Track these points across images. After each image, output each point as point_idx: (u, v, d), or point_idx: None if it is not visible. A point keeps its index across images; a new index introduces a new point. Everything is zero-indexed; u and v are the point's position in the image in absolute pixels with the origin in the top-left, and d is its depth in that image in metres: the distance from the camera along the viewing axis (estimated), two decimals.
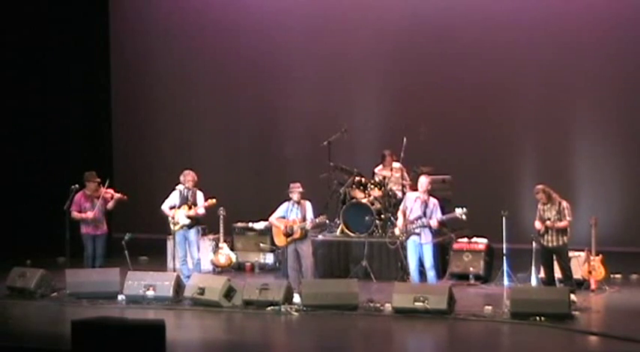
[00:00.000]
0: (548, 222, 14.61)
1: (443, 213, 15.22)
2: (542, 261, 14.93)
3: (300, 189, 15.31)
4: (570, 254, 15.17)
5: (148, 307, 14.50)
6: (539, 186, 14.86)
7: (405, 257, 15.38)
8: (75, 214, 15.77)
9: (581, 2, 18.90)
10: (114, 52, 20.97)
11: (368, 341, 13.13)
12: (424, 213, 15.08)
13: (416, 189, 15.48)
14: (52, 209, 16.39)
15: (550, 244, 14.72)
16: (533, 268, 15.22)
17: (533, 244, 15.12)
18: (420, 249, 15.11)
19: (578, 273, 15.26)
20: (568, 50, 18.81)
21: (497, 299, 14.26)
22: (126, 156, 20.89)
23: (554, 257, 14.81)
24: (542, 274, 15.11)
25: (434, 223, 15.01)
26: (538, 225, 14.72)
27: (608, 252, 15.73)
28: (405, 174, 17.14)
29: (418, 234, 15.07)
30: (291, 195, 15.34)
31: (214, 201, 16.02)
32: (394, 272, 15.90)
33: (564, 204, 14.74)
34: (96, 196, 15.87)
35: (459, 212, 15.03)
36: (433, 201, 15.21)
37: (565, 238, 14.70)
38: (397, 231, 15.32)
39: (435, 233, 15.38)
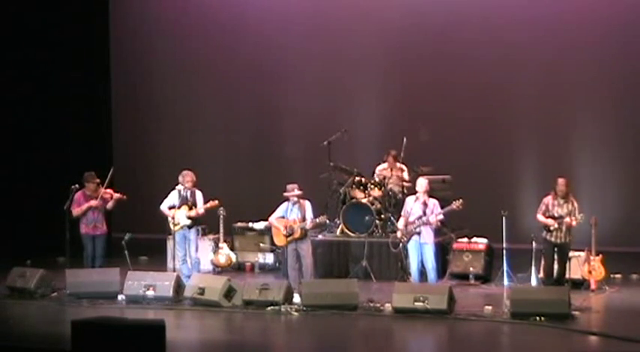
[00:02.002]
0: (567, 220, 14.64)
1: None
2: (546, 256, 14.93)
3: (296, 192, 15.27)
4: (570, 254, 15.20)
5: (148, 307, 14.50)
6: (564, 180, 14.89)
7: (406, 256, 15.38)
8: (77, 209, 15.76)
9: (582, 2, 18.90)
10: (114, 52, 20.96)
11: (368, 341, 13.13)
12: (424, 213, 15.12)
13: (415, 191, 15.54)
14: (52, 209, 16.39)
15: (559, 240, 14.78)
16: (533, 268, 15.25)
17: (533, 244, 15.15)
18: (421, 249, 15.13)
19: (578, 273, 15.28)
20: (568, 50, 18.82)
21: (498, 299, 14.27)
22: (126, 156, 20.88)
23: (557, 253, 14.85)
24: (541, 274, 15.12)
25: (433, 219, 15.05)
26: (548, 220, 14.73)
27: (608, 251, 15.73)
28: (406, 175, 17.13)
29: (419, 234, 15.10)
30: (288, 196, 15.34)
31: (216, 202, 16.03)
32: (394, 272, 15.90)
33: (575, 202, 14.84)
34: (95, 196, 15.87)
35: (455, 204, 15.08)
36: (433, 201, 15.28)
37: (571, 236, 14.81)
38: (399, 234, 15.33)
39: (436, 233, 15.40)
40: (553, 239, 14.84)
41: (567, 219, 14.68)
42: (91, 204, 15.78)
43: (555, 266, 15.01)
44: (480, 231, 16.46)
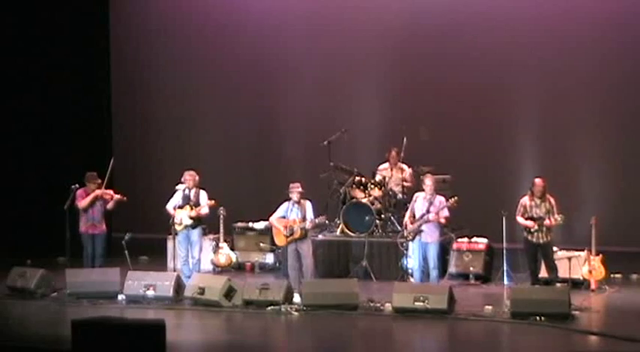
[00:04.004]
0: (547, 222, 14.68)
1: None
2: (530, 257, 15.00)
3: (300, 189, 15.32)
4: (570, 254, 15.24)
5: (148, 307, 14.50)
6: (542, 181, 14.92)
7: (407, 255, 15.37)
8: (82, 201, 15.74)
9: (582, 2, 18.89)
10: (114, 52, 20.94)
11: (368, 341, 13.13)
12: (427, 211, 15.12)
13: (418, 190, 15.58)
14: (52, 209, 16.39)
15: (541, 240, 14.89)
16: None
17: None
18: (424, 248, 15.13)
19: (578, 273, 15.29)
20: (568, 50, 18.81)
21: (498, 299, 14.28)
22: (126, 156, 20.86)
23: (541, 253, 14.93)
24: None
25: (432, 217, 15.04)
26: (528, 222, 14.78)
27: (608, 251, 15.72)
28: (407, 175, 17.12)
29: (421, 232, 15.08)
30: (290, 195, 15.35)
31: (213, 202, 16.00)
32: (394, 271, 15.89)
33: (552, 200, 14.87)
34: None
35: (450, 201, 15.11)
36: (440, 198, 15.27)
37: (552, 234, 14.87)
38: (406, 232, 15.33)
39: (441, 231, 15.39)
40: (534, 239, 14.91)
41: (547, 221, 14.73)
42: (96, 193, 15.78)
43: (543, 267, 15.08)
44: (480, 231, 16.46)
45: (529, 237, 14.92)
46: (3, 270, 15.72)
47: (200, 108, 21.05)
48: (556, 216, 14.77)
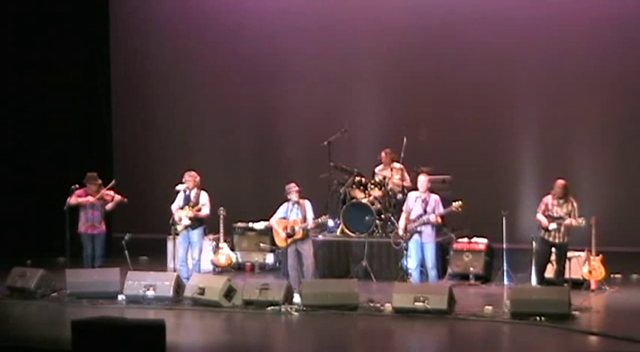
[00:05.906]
0: (568, 222, 14.65)
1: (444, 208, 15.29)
2: (542, 256, 14.94)
3: (297, 188, 15.28)
4: (570, 254, 15.22)
5: (148, 307, 14.50)
6: (564, 182, 14.90)
7: (406, 256, 15.37)
8: (72, 199, 15.73)
9: (582, 2, 18.90)
10: (114, 52, 20.95)
11: (368, 341, 13.13)
12: (425, 211, 15.12)
13: (416, 189, 15.56)
14: (52, 209, 16.40)
15: (557, 240, 14.84)
16: (533, 268, 15.23)
17: (533, 244, 15.15)
18: (422, 248, 15.13)
19: (578, 273, 15.29)
20: (568, 51, 18.82)
21: (498, 299, 14.28)
22: (126, 157, 20.89)
23: (555, 253, 14.88)
24: (533, 274, 15.13)
25: (433, 219, 15.04)
26: (544, 220, 14.74)
27: (608, 251, 15.72)
28: (406, 175, 17.15)
29: (420, 233, 15.09)
30: (289, 197, 15.34)
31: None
32: (394, 272, 15.89)
33: (575, 203, 14.85)
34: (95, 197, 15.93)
35: (455, 205, 15.07)
36: (434, 197, 15.26)
37: (568, 236, 14.86)
38: (400, 232, 15.33)
39: (438, 231, 15.38)
40: (551, 239, 14.87)
41: (568, 221, 14.71)
42: (88, 200, 15.79)
43: (553, 267, 15.04)
44: (479, 231, 16.46)
45: (546, 237, 14.88)
46: (3, 270, 15.72)
47: (200, 108, 21.06)
48: (577, 218, 14.73)
